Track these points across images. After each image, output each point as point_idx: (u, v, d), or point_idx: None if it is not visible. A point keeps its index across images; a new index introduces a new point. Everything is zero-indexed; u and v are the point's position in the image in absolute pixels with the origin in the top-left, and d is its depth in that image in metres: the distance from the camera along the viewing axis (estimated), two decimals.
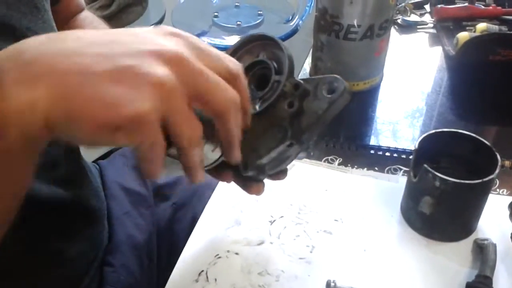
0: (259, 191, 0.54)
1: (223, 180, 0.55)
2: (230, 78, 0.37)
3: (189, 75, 0.34)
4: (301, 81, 0.50)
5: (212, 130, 0.45)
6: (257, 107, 0.51)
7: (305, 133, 0.50)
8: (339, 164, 0.74)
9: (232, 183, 0.56)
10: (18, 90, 0.31)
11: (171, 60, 0.33)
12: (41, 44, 0.33)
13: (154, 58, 0.33)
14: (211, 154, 0.48)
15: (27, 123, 0.31)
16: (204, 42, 0.39)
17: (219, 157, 0.49)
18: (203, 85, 0.35)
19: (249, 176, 0.54)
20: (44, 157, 0.35)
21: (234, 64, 0.38)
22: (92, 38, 0.34)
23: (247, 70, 0.53)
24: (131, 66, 0.32)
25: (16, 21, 0.50)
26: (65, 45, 0.33)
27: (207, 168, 0.51)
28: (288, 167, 0.57)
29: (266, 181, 0.56)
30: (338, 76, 0.50)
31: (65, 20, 0.66)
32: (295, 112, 0.50)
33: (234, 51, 0.55)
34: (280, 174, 0.56)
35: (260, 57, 0.53)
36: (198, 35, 1.67)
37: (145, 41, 0.34)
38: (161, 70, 0.32)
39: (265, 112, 0.51)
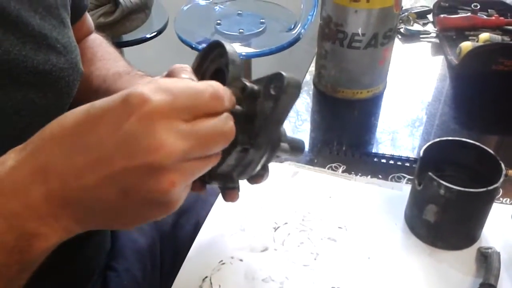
0: (233, 199, 0.54)
1: (195, 191, 0.53)
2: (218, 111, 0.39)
3: (192, 165, 0.37)
4: (247, 84, 0.48)
5: None
6: None
7: (259, 136, 0.48)
8: (343, 172, 0.75)
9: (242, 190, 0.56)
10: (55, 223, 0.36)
11: (171, 168, 0.34)
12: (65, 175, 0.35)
13: (153, 174, 0.34)
14: None
15: (58, 242, 0.37)
16: (180, 80, 0.40)
17: None
18: (208, 151, 0.38)
19: (218, 185, 0.53)
20: None
21: (215, 98, 0.39)
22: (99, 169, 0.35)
23: (215, 78, 0.51)
24: (137, 191, 0.35)
25: (48, 31, 0.53)
26: (84, 181, 0.35)
27: None
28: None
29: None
30: (281, 72, 0.46)
31: (77, 41, 0.68)
32: (243, 116, 0.47)
33: (201, 62, 0.54)
34: (256, 178, 0.55)
35: (219, 66, 0.52)
36: (200, 43, 1.68)
37: (133, 150, 0.34)
38: (165, 184, 0.35)
39: None
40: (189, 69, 0.52)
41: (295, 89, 0.46)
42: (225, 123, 0.38)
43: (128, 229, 0.38)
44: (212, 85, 0.38)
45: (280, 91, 0.46)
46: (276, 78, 0.46)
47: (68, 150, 0.35)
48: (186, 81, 0.39)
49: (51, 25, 0.53)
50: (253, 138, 0.47)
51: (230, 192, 0.54)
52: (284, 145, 0.54)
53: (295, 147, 0.56)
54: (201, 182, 0.52)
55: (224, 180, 0.52)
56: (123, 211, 0.36)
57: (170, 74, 0.51)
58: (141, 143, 0.33)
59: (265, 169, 0.55)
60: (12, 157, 0.36)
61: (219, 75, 0.52)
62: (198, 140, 0.35)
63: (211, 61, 0.54)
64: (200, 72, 0.54)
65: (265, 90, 0.47)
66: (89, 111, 0.35)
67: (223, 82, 0.49)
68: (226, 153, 0.47)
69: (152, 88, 0.34)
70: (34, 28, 0.51)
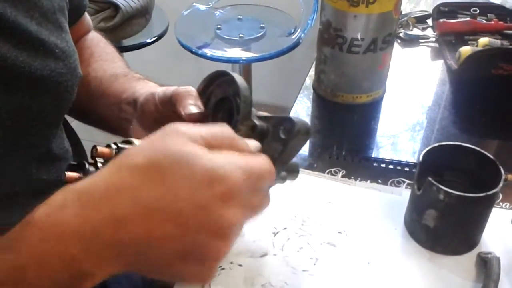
0: None
1: None
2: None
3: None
4: (257, 123, 0.49)
5: None
6: None
7: None
8: (342, 176, 0.74)
9: None
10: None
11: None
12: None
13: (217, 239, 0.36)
14: None
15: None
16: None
17: None
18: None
19: None
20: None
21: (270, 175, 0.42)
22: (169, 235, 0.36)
23: (220, 103, 0.53)
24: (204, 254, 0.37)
25: (45, 36, 0.53)
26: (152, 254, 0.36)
27: None
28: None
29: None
30: (292, 117, 0.48)
31: (76, 41, 0.68)
32: None
33: (206, 87, 0.54)
34: None
35: (226, 94, 0.52)
36: (200, 47, 1.68)
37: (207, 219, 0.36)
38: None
39: None
40: (195, 93, 0.53)
41: (305, 135, 0.48)
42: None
43: (164, 278, 0.40)
44: (270, 166, 0.41)
45: (289, 136, 0.47)
46: (286, 122, 0.48)
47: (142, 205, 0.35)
48: (260, 160, 0.41)
49: (49, 30, 0.53)
50: None
51: None
52: (283, 173, 0.55)
53: (291, 172, 0.57)
54: None
55: None
56: (173, 267, 0.37)
57: (176, 99, 0.52)
58: (214, 213, 0.35)
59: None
60: (70, 200, 0.36)
61: (224, 102, 0.53)
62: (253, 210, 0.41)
63: (218, 86, 0.54)
64: (205, 95, 0.54)
65: (274, 130, 0.49)
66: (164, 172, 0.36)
67: (228, 109, 0.52)
68: None
69: (233, 166, 0.37)
70: (31, 33, 0.51)
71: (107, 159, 0.43)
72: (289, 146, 0.48)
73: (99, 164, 0.44)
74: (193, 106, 0.51)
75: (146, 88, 0.59)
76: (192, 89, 0.53)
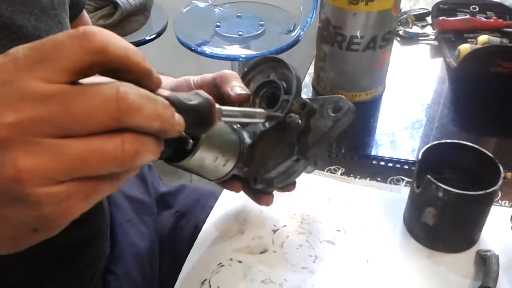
0: (268, 203, 0.59)
1: (233, 190, 0.59)
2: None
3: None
4: (308, 100, 0.53)
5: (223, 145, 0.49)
6: (266, 124, 0.54)
7: (311, 149, 0.53)
8: (341, 174, 0.75)
9: (241, 192, 0.60)
10: None
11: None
12: None
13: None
14: (223, 168, 0.52)
15: None
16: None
17: (230, 170, 0.53)
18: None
19: (259, 189, 0.57)
20: None
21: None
22: None
23: (259, 89, 0.58)
24: None
25: (43, 32, 0.52)
26: None
27: (220, 181, 0.55)
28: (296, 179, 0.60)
29: None
30: (343, 96, 0.53)
31: None
32: (301, 130, 0.53)
33: (248, 71, 0.58)
34: (289, 186, 0.60)
35: (271, 78, 0.56)
36: (200, 45, 1.68)
37: None
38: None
39: (274, 129, 0.54)
40: (238, 75, 0.56)
41: (353, 114, 0.53)
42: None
43: None
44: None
45: (340, 114, 0.52)
46: (335, 100, 0.53)
47: None
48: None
49: (48, 26, 0.53)
50: (306, 150, 0.53)
51: (267, 197, 0.59)
52: (315, 159, 0.59)
53: (319, 163, 0.61)
54: (244, 183, 0.58)
55: (266, 184, 0.57)
56: None
57: (222, 80, 0.55)
58: None
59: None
60: None
61: (262, 88, 0.58)
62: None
63: (259, 72, 0.58)
64: (245, 80, 0.58)
65: (321, 109, 0.53)
66: None
67: (265, 95, 0.57)
68: (280, 160, 0.54)
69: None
70: (28, 30, 0.50)
71: None
72: (339, 123, 0.52)
73: None
74: (239, 88, 0.54)
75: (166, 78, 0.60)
76: (235, 73, 0.56)
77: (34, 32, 0.51)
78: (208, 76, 0.57)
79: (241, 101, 0.54)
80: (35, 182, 0.27)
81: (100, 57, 0.28)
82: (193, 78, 0.58)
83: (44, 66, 0.27)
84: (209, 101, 0.35)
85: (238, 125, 0.55)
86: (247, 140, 0.54)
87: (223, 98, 0.53)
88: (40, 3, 0.52)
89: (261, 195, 0.59)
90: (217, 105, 0.37)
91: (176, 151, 0.45)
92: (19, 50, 0.27)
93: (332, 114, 0.52)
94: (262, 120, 0.48)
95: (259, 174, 0.55)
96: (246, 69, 0.58)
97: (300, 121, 0.53)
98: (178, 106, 0.32)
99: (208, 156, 0.48)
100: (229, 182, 0.56)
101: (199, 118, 0.35)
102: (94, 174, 0.29)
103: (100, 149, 0.28)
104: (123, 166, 0.28)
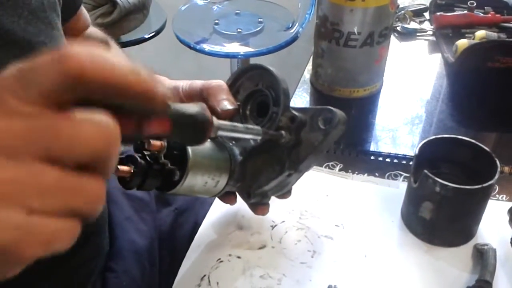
0: (264, 212, 0.60)
1: (228, 203, 0.61)
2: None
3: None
4: (297, 114, 0.52)
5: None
6: (258, 139, 0.53)
7: (303, 163, 0.52)
8: (339, 170, 0.75)
9: None
10: None
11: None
12: None
13: None
14: (214, 188, 0.53)
15: None
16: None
17: (222, 189, 0.54)
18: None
19: (252, 202, 0.58)
20: None
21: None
22: None
23: (248, 97, 0.56)
24: None
25: (33, 36, 0.51)
26: None
27: (214, 197, 0.57)
28: None
29: None
30: (332, 108, 0.51)
31: (73, 37, 0.67)
32: (292, 144, 0.52)
33: (236, 79, 0.57)
34: (285, 194, 0.61)
35: (259, 87, 0.55)
36: (199, 42, 1.68)
37: None
38: None
39: (263, 145, 0.53)
40: (226, 88, 0.53)
41: (343, 125, 0.51)
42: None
43: None
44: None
45: (330, 126, 0.50)
46: (326, 112, 0.51)
47: None
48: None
49: (37, 29, 0.52)
50: (298, 164, 0.52)
51: (262, 207, 0.60)
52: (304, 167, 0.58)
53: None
54: (234, 196, 0.60)
55: (261, 197, 0.58)
56: None
57: (208, 93, 0.53)
58: None
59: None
60: None
61: (253, 95, 0.56)
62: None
63: (248, 79, 0.57)
64: (234, 88, 0.57)
65: (311, 121, 0.52)
66: None
67: (257, 102, 0.56)
68: (272, 176, 0.54)
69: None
70: (17, 33, 0.49)
71: (159, 151, 0.45)
72: (330, 136, 0.51)
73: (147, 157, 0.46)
74: (227, 102, 0.52)
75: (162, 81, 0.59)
76: (223, 83, 0.54)
77: (24, 35, 0.50)
78: (196, 85, 0.55)
79: (228, 116, 0.52)
80: None
81: (78, 81, 0.26)
82: (182, 86, 0.56)
83: (24, 87, 0.26)
84: (207, 118, 0.35)
85: (233, 141, 0.55)
86: (238, 157, 0.54)
87: (211, 112, 0.52)
88: (30, 6, 0.51)
89: (257, 206, 0.60)
90: (214, 120, 0.37)
91: (164, 181, 0.47)
92: (12, 68, 0.26)
93: (323, 127, 0.51)
94: (259, 138, 0.48)
95: (252, 188, 0.56)
96: (234, 77, 0.57)
97: (289, 138, 0.52)
98: (174, 114, 0.32)
99: (197, 182, 0.50)
100: (224, 196, 0.58)
101: (194, 129, 0.34)
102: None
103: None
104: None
